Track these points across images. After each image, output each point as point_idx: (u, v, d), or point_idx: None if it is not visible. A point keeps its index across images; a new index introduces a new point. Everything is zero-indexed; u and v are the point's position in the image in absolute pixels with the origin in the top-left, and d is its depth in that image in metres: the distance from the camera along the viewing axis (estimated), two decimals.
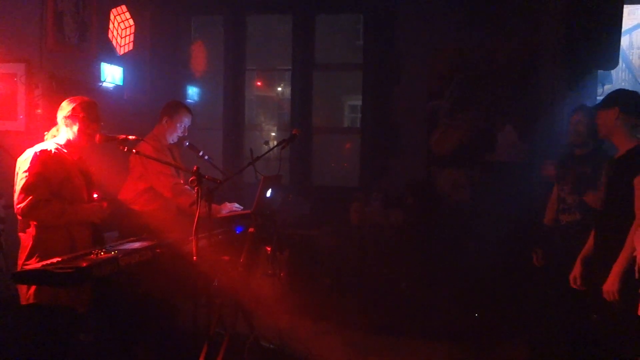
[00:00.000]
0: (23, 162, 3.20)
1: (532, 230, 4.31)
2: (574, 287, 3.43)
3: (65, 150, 3.32)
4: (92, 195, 3.38)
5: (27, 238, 3.21)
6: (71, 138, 3.34)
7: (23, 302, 3.18)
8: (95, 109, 3.39)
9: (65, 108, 3.33)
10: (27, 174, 3.14)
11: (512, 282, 4.82)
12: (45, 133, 3.43)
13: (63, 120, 3.33)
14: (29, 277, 2.85)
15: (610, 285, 3.01)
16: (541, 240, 4.07)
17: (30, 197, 3.10)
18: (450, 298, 5.14)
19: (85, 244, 3.25)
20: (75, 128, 3.32)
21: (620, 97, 3.33)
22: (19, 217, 3.22)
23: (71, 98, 3.39)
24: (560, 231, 3.85)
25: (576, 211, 3.71)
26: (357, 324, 4.90)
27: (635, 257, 2.91)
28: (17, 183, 3.18)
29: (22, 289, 3.16)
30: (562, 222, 3.84)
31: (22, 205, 3.11)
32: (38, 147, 3.25)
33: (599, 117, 3.35)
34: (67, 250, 3.11)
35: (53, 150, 3.25)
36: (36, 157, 3.17)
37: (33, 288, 3.12)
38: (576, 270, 3.44)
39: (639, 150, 3.15)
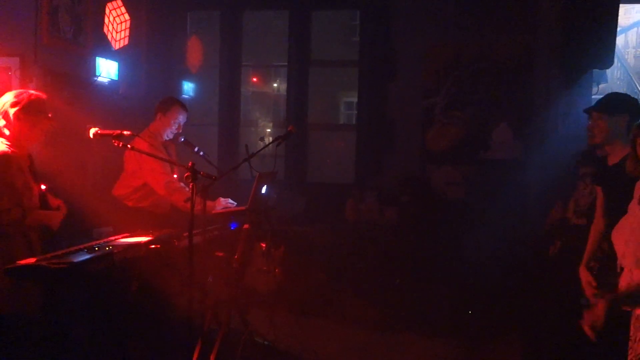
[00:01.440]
0: None
1: (555, 223, 4.20)
2: (590, 296, 3.14)
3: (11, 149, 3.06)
4: (54, 203, 3.23)
5: None
6: (17, 134, 3.06)
7: None
8: (37, 103, 3.10)
9: (5, 102, 3.05)
10: None
11: (507, 279, 4.83)
12: None
13: (6, 116, 3.05)
14: (22, 272, 2.83)
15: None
16: (560, 233, 3.95)
17: None
18: (445, 295, 5.15)
19: (42, 248, 3.10)
20: (22, 123, 3.04)
21: (630, 104, 3.18)
22: None
23: (15, 92, 3.13)
24: (570, 230, 3.76)
25: (584, 217, 3.57)
26: (352, 320, 4.90)
27: None
28: None
29: None
30: (570, 221, 3.76)
31: None
32: None
33: (603, 122, 3.16)
34: (26, 255, 2.94)
35: (9, 151, 3.01)
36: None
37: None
38: (587, 278, 3.19)
39: None
